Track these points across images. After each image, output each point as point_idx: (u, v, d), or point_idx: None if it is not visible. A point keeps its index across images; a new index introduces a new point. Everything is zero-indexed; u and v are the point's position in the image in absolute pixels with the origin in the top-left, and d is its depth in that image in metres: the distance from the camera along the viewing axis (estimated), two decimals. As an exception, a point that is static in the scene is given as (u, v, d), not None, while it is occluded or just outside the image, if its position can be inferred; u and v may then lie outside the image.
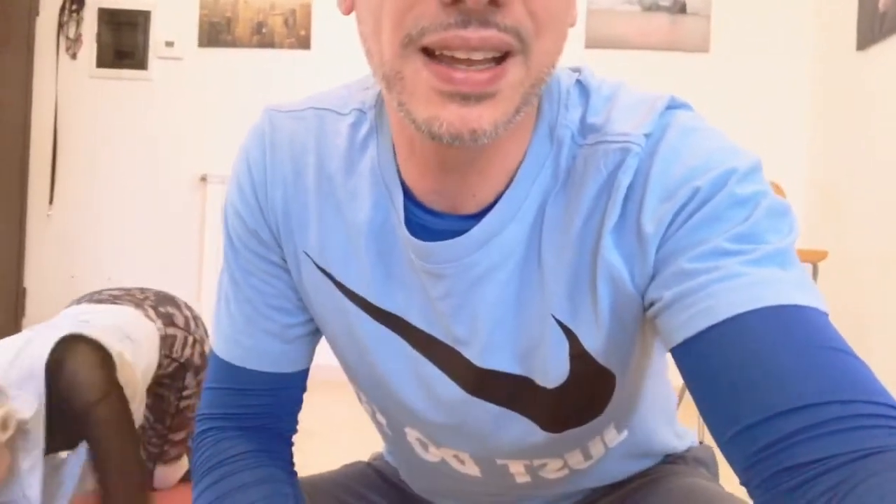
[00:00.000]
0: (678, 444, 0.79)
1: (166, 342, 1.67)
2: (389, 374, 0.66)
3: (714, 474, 0.81)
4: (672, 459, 0.79)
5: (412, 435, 0.71)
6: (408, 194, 0.61)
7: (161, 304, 1.73)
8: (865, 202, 2.79)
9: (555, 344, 0.60)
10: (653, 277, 0.55)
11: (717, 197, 0.52)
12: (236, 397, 0.71)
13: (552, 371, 0.61)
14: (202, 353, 1.76)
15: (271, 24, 3.40)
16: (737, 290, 0.50)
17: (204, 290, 3.29)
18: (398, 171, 0.61)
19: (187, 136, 3.42)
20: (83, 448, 1.38)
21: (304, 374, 0.73)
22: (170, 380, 1.71)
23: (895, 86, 2.62)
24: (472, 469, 0.71)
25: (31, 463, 1.26)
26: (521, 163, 0.58)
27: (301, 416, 0.74)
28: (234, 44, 3.41)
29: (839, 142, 3.04)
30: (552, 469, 0.70)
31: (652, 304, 0.55)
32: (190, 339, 1.73)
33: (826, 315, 0.51)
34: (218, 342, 0.71)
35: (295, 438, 0.74)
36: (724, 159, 0.54)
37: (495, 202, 0.59)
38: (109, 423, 1.31)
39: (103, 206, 3.43)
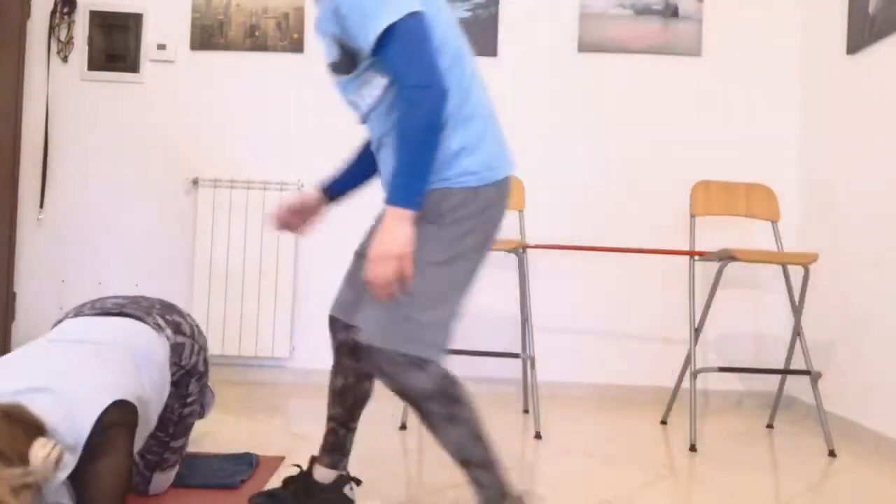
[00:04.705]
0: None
1: (176, 350, 1.66)
2: None
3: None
4: None
5: None
6: None
7: (168, 313, 1.71)
8: (856, 204, 2.80)
9: None
10: None
11: None
12: None
13: None
14: (205, 360, 1.77)
15: (264, 27, 3.40)
16: None
17: (195, 293, 3.28)
18: None
19: (179, 139, 3.42)
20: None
21: None
22: (174, 387, 1.68)
23: (885, 89, 2.64)
24: None
25: None
26: None
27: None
28: (226, 47, 3.40)
29: (830, 144, 3.06)
30: None
31: None
32: (196, 347, 1.72)
33: None
34: None
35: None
36: None
37: None
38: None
39: (94, 209, 3.42)
